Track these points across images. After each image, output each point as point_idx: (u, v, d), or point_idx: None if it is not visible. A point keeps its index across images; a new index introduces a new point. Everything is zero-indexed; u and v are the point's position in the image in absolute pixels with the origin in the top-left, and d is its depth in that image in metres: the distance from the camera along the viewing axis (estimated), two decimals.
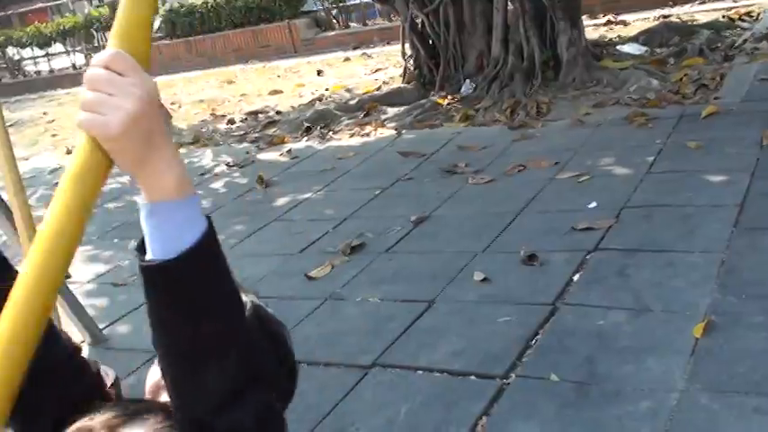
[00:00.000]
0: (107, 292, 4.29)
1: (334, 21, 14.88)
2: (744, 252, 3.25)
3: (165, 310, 0.90)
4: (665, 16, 9.96)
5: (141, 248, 0.90)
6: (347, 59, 11.99)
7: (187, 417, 0.93)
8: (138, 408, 1.02)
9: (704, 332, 2.70)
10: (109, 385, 2.28)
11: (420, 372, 2.84)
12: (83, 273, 4.63)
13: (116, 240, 5.20)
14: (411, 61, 8.17)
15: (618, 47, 7.87)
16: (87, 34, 17.00)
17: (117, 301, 4.15)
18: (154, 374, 1.27)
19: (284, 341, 1.33)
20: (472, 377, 2.73)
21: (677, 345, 2.68)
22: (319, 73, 11.21)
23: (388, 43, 12.35)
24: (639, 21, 9.95)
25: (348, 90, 9.12)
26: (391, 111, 7.30)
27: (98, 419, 0.98)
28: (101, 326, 3.76)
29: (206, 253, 0.91)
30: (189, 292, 0.90)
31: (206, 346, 0.90)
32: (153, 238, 0.89)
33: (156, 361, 1.00)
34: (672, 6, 10.87)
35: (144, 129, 0.86)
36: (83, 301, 3.76)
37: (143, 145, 0.87)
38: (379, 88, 8.72)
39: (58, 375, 1.07)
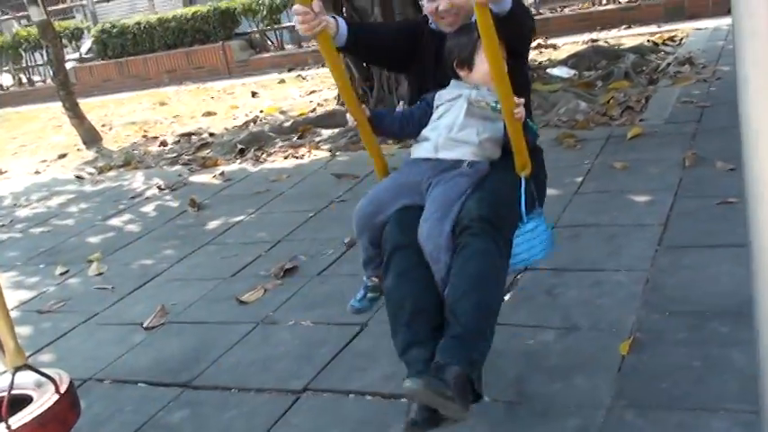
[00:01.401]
0: (31, 319, 4.16)
1: (269, 42, 14.86)
2: (667, 270, 3.33)
3: (515, 18, 2.29)
4: (593, 40, 10.26)
5: None
6: (282, 81, 11.98)
7: (517, 32, 2.40)
8: None
9: (630, 349, 2.75)
10: (65, 388, 2.26)
11: (352, 395, 2.83)
12: (6, 300, 4.46)
13: (42, 266, 5.05)
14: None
15: (548, 70, 8.05)
16: (15, 54, 16.59)
17: (41, 328, 4.02)
18: None
19: None
20: (404, 399, 2.72)
21: (604, 362, 2.73)
22: (254, 95, 11.17)
23: (322, 65, 12.38)
24: (569, 44, 10.21)
25: (282, 112, 9.11)
26: (325, 133, 7.31)
27: None
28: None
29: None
30: (518, 11, 2.30)
31: (523, 19, 2.43)
32: (497, 8, 2.15)
33: None
34: (599, 31, 11.20)
35: None
36: None
37: None
38: (313, 110, 8.74)
39: None
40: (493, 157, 2.46)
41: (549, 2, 14.17)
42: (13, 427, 2.08)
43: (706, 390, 2.45)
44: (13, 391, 2.22)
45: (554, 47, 10.46)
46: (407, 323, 2.24)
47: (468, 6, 2.39)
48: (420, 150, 2.49)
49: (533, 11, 13.12)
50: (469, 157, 2.41)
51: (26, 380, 2.31)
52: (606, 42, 9.91)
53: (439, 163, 2.41)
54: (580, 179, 4.72)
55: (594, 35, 10.92)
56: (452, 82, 2.52)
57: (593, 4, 12.60)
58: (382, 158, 2.61)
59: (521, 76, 2.58)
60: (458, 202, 2.33)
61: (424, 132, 2.50)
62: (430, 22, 2.61)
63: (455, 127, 2.42)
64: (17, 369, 2.25)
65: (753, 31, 1.25)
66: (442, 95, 2.50)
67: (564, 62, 8.42)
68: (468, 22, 2.44)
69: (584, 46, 9.55)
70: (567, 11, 12.96)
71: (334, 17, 2.40)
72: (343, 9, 7.85)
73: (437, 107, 2.50)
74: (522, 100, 2.29)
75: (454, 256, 2.26)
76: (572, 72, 7.99)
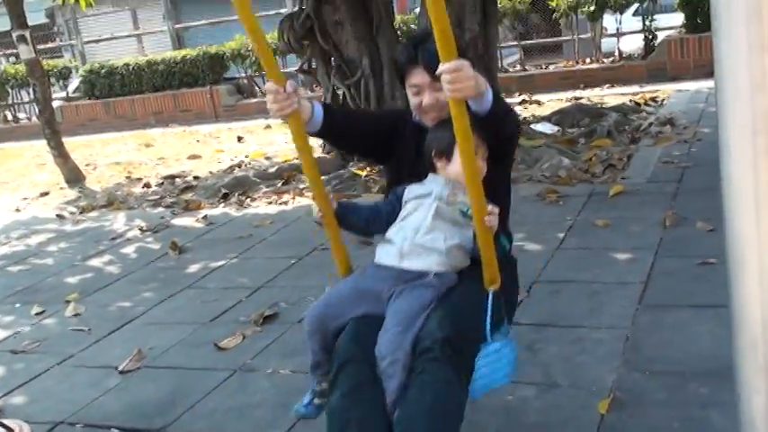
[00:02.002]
0: (4, 360, 4.08)
1: (257, 88, 14.97)
2: (647, 329, 3.34)
3: (496, 119, 2.19)
4: (576, 98, 10.43)
5: None
6: (268, 127, 12.04)
7: (498, 135, 2.28)
8: None
9: (609, 408, 2.74)
10: None
11: None
12: None
13: (18, 305, 4.98)
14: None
15: (531, 125, 8.16)
16: (1, 90, 16.59)
17: (14, 369, 3.94)
18: None
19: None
20: None
21: (584, 421, 2.71)
22: (239, 139, 11.21)
23: None
24: (553, 101, 10.37)
25: (267, 158, 9.14)
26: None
27: None
28: None
29: (497, 97, 2.17)
30: (499, 109, 2.18)
31: (506, 118, 2.27)
32: (476, 106, 2.09)
33: None
34: (583, 89, 11.40)
35: (475, 84, 1.96)
36: None
37: (476, 89, 1.98)
38: (298, 157, 8.74)
39: None
40: (461, 267, 2.29)
41: (534, 59, 14.44)
42: None
43: None
44: None
45: (538, 103, 10.62)
46: None
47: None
48: (384, 255, 2.31)
49: (518, 66, 13.37)
50: (435, 268, 2.23)
51: None
52: (589, 100, 10.08)
53: (403, 273, 2.24)
54: (562, 235, 4.75)
55: (578, 93, 11.11)
56: (429, 176, 2.36)
57: (578, 63, 12.84)
58: (346, 256, 2.43)
59: (501, 182, 2.49)
60: (421, 316, 2.17)
61: (390, 233, 2.34)
62: (414, 115, 2.50)
63: (421, 230, 2.26)
64: None
65: (735, 92, 1.28)
66: (412, 190, 2.36)
67: (548, 118, 8.55)
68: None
69: (568, 103, 9.71)
70: (551, 68, 13.20)
71: (310, 101, 2.32)
72: (332, 59, 7.96)
73: (406, 203, 2.35)
74: (497, 209, 2.13)
75: (411, 377, 2.09)
76: (555, 128, 8.11)
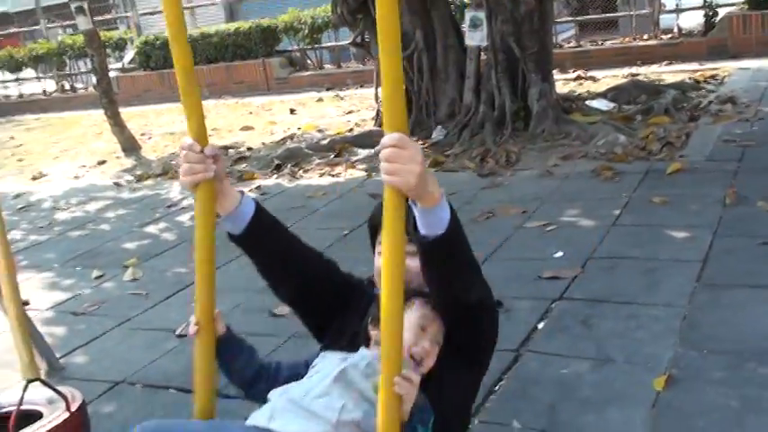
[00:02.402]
0: (66, 320, 4.21)
1: (309, 61, 14.99)
2: (705, 308, 3.30)
3: (453, 259, 1.66)
4: (633, 75, 10.20)
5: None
6: (320, 100, 12.07)
7: (449, 299, 1.73)
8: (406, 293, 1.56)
9: (665, 385, 2.72)
10: (77, 407, 2.23)
11: None
12: (42, 300, 4.54)
13: (78, 269, 5.11)
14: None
15: (587, 102, 8.03)
16: (59, 61, 16.90)
17: (75, 330, 4.07)
18: None
19: None
20: None
21: (638, 397, 2.70)
22: (292, 112, 11.25)
23: (361, 86, 12.48)
24: (608, 78, 10.17)
25: (320, 130, 9.17)
26: (362, 152, 7.34)
27: None
28: (58, 355, 3.68)
29: (456, 223, 1.61)
30: (457, 246, 1.65)
31: (466, 270, 1.71)
32: (425, 226, 1.58)
33: None
34: (640, 66, 11.14)
35: (423, 175, 1.49)
36: (40, 328, 3.68)
37: (423, 183, 1.50)
38: (350, 130, 8.78)
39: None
40: None
41: (590, 35, 14.18)
42: None
43: (743, 431, 2.42)
44: (24, 407, 2.20)
45: (593, 79, 10.43)
46: None
47: (420, 279, 1.76)
48: (252, 416, 1.76)
49: (573, 42, 13.15)
50: None
51: (38, 396, 2.29)
52: (646, 77, 9.86)
53: None
54: (618, 211, 4.69)
55: (635, 69, 10.87)
56: (359, 350, 1.82)
57: (635, 39, 12.57)
58: (209, 399, 1.82)
59: (460, 394, 1.89)
60: None
61: (272, 392, 1.80)
62: (375, 288, 2.02)
63: (313, 391, 1.72)
64: (29, 382, 2.22)
65: None
66: (326, 356, 1.85)
67: (603, 95, 8.40)
68: (408, 288, 1.65)
69: (624, 80, 9.50)
70: (607, 44, 12.93)
71: (241, 192, 1.88)
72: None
73: (312, 367, 1.85)
74: (418, 377, 1.56)
75: None
76: (611, 105, 7.96)
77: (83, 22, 9.28)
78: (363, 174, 6.68)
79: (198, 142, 1.73)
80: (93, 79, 10.92)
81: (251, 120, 11.01)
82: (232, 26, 15.25)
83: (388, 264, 1.49)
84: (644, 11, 12.70)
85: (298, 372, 1.87)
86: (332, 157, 7.44)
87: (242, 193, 1.87)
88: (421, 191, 1.51)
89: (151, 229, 5.88)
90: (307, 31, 14.12)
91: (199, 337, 1.78)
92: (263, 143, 8.86)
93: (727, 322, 3.13)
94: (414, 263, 1.71)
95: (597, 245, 4.19)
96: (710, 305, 3.31)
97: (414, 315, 1.77)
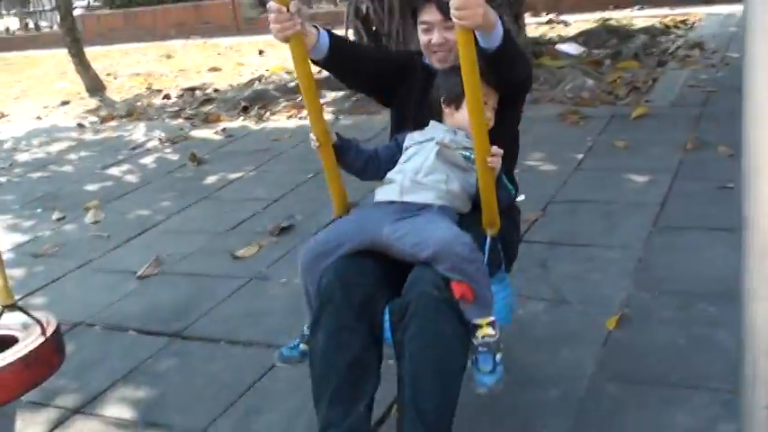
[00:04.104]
0: (26, 262, 4.17)
1: None
2: (660, 250, 3.35)
3: (506, 59, 2.13)
4: (604, 19, 10.15)
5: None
6: None
7: (508, 81, 2.23)
8: None
9: (617, 325, 2.78)
10: (52, 332, 2.25)
11: None
12: (1, 242, 4.49)
13: (39, 210, 5.06)
14: None
15: (557, 46, 7.99)
16: None
17: (35, 272, 4.04)
18: None
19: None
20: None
21: (591, 336, 2.75)
22: (261, 53, 11.10)
23: (332, 28, 12.28)
24: (580, 22, 10.12)
25: (288, 72, 9.05)
26: (330, 95, 7.27)
27: None
28: (17, 296, 3.64)
29: (507, 34, 2.09)
30: (509, 49, 2.12)
31: (518, 62, 2.21)
32: (486, 42, 2.05)
33: None
34: (612, 10, 11.10)
35: (485, 14, 1.89)
36: None
37: (486, 20, 1.91)
38: (319, 72, 8.66)
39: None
40: (462, 210, 2.22)
41: None
42: None
43: (689, 368, 2.48)
44: None
45: (565, 23, 10.38)
46: (330, 399, 1.99)
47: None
48: (384, 193, 2.23)
49: None
50: (437, 202, 2.16)
51: (13, 321, 2.31)
52: (617, 21, 9.83)
53: (405, 205, 2.16)
54: (581, 156, 4.72)
55: (607, 14, 10.82)
56: (431, 123, 2.31)
57: None
58: (342, 192, 2.33)
59: (510, 130, 2.45)
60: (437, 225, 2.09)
61: (390, 175, 2.27)
62: (423, 57, 2.44)
63: (422, 170, 2.20)
64: (5, 308, 2.25)
65: (764, 11, 1.25)
66: (413, 137, 2.30)
67: (574, 39, 8.36)
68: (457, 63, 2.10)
69: (595, 24, 9.47)
70: None
71: (315, 26, 2.26)
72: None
73: (407, 148, 2.30)
74: (501, 151, 2.05)
75: (412, 322, 1.99)
76: (581, 49, 7.93)
77: None
78: (331, 117, 6.63)
79: (282, 3, 2.05)
80: (58, 18, 10.67)
81: (219, 61, 10.86)
82: None
83: (469, 83, 1.90)
84: None
85: (392, 152, 2.34)
86: (299, 99, 7.36)
87: (316, 28, 2.26)
88: (484, 24, 1.92)
89: (114, 171, 5.82)
90: None
91: (321, 151, 2.22)
92: (231, 85, 8.76)
93: (680, 264, 3.19)
94: (452, 36, 2.12)
95: (559, 188, 4.22)
96: (665, 248, 3.36)
97: None
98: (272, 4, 2.06)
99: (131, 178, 5.58)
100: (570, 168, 4.52)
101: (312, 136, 2.21)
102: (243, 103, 7.37)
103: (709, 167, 4.20)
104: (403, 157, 2.29)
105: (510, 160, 2.36)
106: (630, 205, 3.86)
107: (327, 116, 6.66)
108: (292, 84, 7.88)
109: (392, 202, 2.18)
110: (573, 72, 6.74)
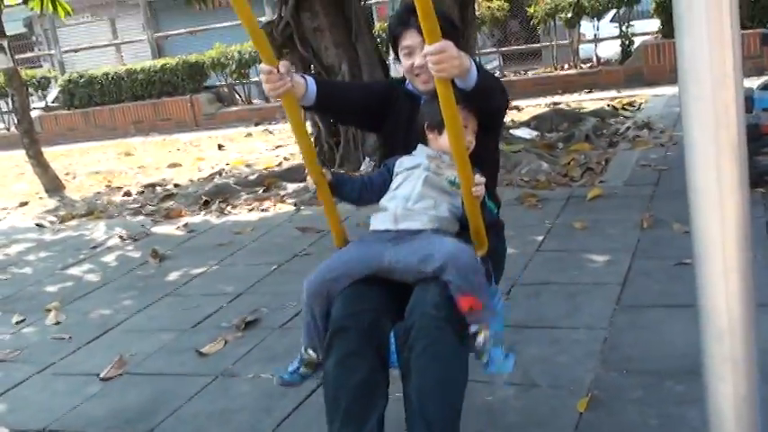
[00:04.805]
0: None
1: (237, 96, 14.96)
2: (625, 329, 3.39)
3: (483, 93, 2.28)
4: (555, 103, 10.50)
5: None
6: (249, 135, 12.04)
7: (485, 109, 2.42)
8: None
9: (587, 407, 2.78)
10: None
11: None
12: None
13: None
14: (312, 139, 8.28)
15: (511, 130, 8.21)
16: None
17: None
18: None
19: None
20: None
21: (562, 420, 2.75)
22: (220, 147, 11.20)
23: None
24: (531, 107, 10.44)
25: (248, 165, 9.15)
26: (291, 187, 7.34)
27: None
28: None
29: (481, 72, 2.25)
30: (485, 85, 2.27)
31: (493, 93, 2.40)
32: (463, 84, 2.19)
33: None
34: (562, 94, 11.49)
35: (460, 65, 2.06)
36: None
37: (461, 69, 2.08)
38: (279, 164, 8.78)
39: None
40: (451, 232, 2.42)
41: (513, 65, 14.53)
42: None
43: None
44: None
45: (517, 108, 10.68)
46: (342, 420, 2.17)
47: None
48: (379, 222, 2.44)
49: (498, 73, 13.43)
50: (430, 226, 2.37)
51: None
52: (568, 105, 10.16)
53: (401, 233, 2.37)
54: (541, 238, 4.80)
55: (557, 98, 11.19)
56: (419, 147, 2.50)
57: (556, 69, 12.94)
58: (341, 226, 2.56)
59: (490, 152, 2.63)
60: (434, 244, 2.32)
61: (383, 202, 2.48)
62: (406, 83, 2.64)
63: (412, 198, 2.40)
64: None
65: (698, 95, 1.32)
66: (402, 163, 2.49)
67: (526, 123, 8.61)
68: None
69: (547, 108, 9.78)
70: (530, 74, 13.30)
71: (303, 76, 2.42)
72: (311, 66, 7.97)
73: (396, 174, 2.49)
74: (483, 179, 2.24)
75: (414, 352, 2.19)
76: (534, 133, 8.17)
77: (3, 61, 9.10)
78: (292, 208, 6.68)
79: (272, 65, 2.18)
80: (15, 119, 10.68)
81: (178, 156, 10.91)
82: (159, 62, 15.14)
83: (452, 129, 2.08)
84: (565, 41, 13.10)
85: (384, 178, 2.52)
86: (260, 192, 7.42)
87: (304, 77, 2.42)
88: (460, 74, 2.11)
89: (74, 271, 5.74)
90: (234, 67, 14.12)
91: (319, 190, 2.40)
92: (191, 180, 8.79)
93: (645, 342, 3.23)
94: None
95: (521, 271, 4.27)
96: (629, 326, 3.40)
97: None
98: (263, 66, 2.20)
99: (92, 278, 5.51)
100: (531, 251, 4.59)
101: (309, 179, 2.39)
102: (204, 198, 7.39)
103: (665, 245, 4.30)
104: (393, 184, 2.49)
105: (491, 180, 2.52)
106: (592, 285, 3.92)
107: (288, 207, 6.71)
108: (253, 176, 7.96)
109: (388, 231, 2.39)
110: (528, 156, 6.91)
